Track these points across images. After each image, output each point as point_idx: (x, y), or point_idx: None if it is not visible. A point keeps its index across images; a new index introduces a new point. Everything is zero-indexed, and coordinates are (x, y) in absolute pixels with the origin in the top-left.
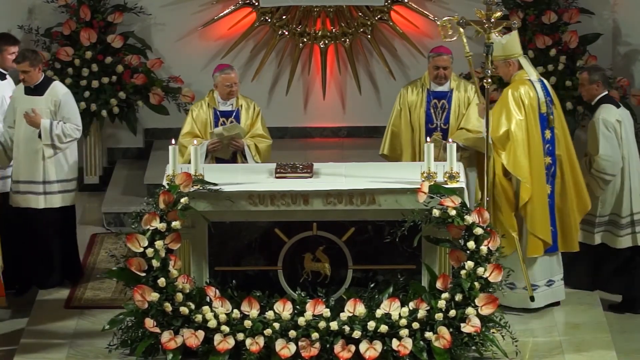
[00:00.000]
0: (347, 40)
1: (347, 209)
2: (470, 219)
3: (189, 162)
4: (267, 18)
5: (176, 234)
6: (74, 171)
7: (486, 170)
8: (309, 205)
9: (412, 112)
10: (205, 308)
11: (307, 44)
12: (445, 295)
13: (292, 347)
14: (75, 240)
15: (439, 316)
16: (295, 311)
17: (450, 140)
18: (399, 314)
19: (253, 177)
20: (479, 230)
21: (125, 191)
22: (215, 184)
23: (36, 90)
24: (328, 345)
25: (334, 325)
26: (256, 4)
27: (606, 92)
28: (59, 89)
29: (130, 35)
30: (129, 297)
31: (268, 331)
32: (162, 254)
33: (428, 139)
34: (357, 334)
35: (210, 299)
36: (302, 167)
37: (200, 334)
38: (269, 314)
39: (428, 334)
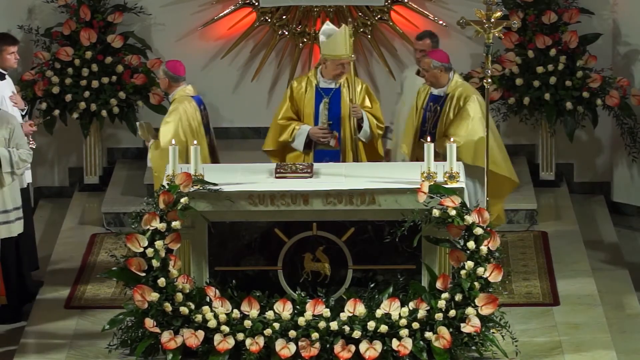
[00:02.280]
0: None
1: (347, 209)
2: (470, 219)
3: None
4: (267, 18)
5: (176, 234)
6: (20, 197)
7: (486, 170)
8: (309, 205)
9: (417, 112)
10: (205, 308)
11: (307, 44)
12: (445, 295)
13: (292, 347)
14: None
15: (438, 316)
16: (295, 311)
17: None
18: (399, 314)
19: (253, 177)
20: (478, 230)
21: (125, 191)
22: (215, 184)
23: None
24: (328, 345)
25: (333, 325)
26: (256, 4)
27: None
28: (9, 117)
29: (130, 35)
30: (129, 297)
31: (268, 331)
32: (162, 254)
33: (429, 138)
34: (357, 334)
35: (210, 299)
36: (302, 167)
37: (200, 334)
38: (269, 314)
39: (428, 334)
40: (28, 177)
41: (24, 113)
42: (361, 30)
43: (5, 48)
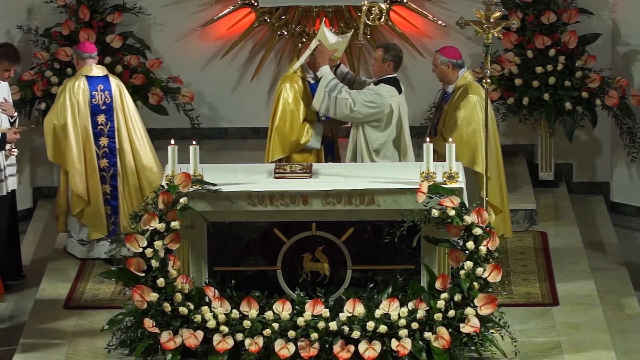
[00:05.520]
0: None
1: (346, 209)
2: (469, 219)
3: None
4: (266, 18)
5: (175, 234)
6: None
7: (485, 169)
8: (308, 206)
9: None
10: (205, 308)
11: (306, 44)
12: (444, 295)
13: (291, 347)
14: None
15: (438, 316)
16: (295, 311)
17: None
18: (398, 314)
19: (252, 177)
20: (478, 231)
21: None
22: (214, 184)
23: None
24: (327, 346)
25: (333, 325)
26: (255, 4)
27: (394, 75)
28: None
29: (130, 36)
30: (128, 297)
31: (267, 331)
32: (161, 254)
33: (428, 139)
34: (356, 334)
35: (209, 299)
36: (301, 167)
37: (200, 334)
38: (268, 314)
39: (427, 334)
40: (12, 184)
41: (12, 120)
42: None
43: (4, 63)
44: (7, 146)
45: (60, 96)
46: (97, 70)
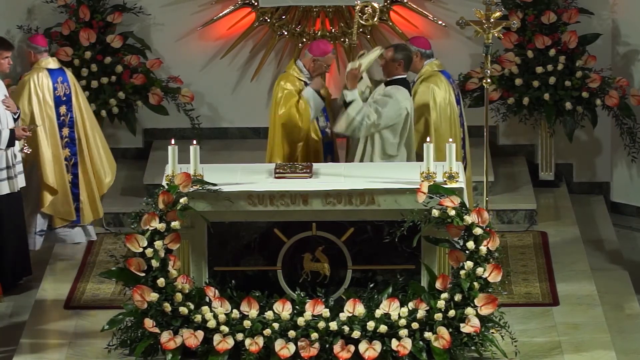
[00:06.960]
0: (347, 40)
1: (346, 209)
2: (469, 219)
3: None
4: (266, 18)
5: (175, 234)
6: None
7: (485, 169)
8: (308, 206)
9: None
10: (205, 308)
11: (306, 44)
12: (444, 295)
13: (292, 347)
14: None
15: (438, 316)
16: (295, 311)
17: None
18: (399, 314)
19: (252, 177)
20: (478, 231)
21: (125, 191)
22: (214, 184)
23: None
24: (327, 346)
25: (333, 325)
26: (255, 4)
27: (404, 76)
28: None
29: (130, 36)
30: (129, 297)
31: (267, 331)
32: (162, 254)
33: (428, 138)
34: (356, 334)
35: (209, 299)
36: (301, 167)
37: (200, 334)
38: (268, 314)
39: (427, 334)
40: (21, 182)
41: (16, 117)
42: (360, 30)
43: (1, 52)
44: (19, 145)
45: (24, 89)
46: (54, 63)
